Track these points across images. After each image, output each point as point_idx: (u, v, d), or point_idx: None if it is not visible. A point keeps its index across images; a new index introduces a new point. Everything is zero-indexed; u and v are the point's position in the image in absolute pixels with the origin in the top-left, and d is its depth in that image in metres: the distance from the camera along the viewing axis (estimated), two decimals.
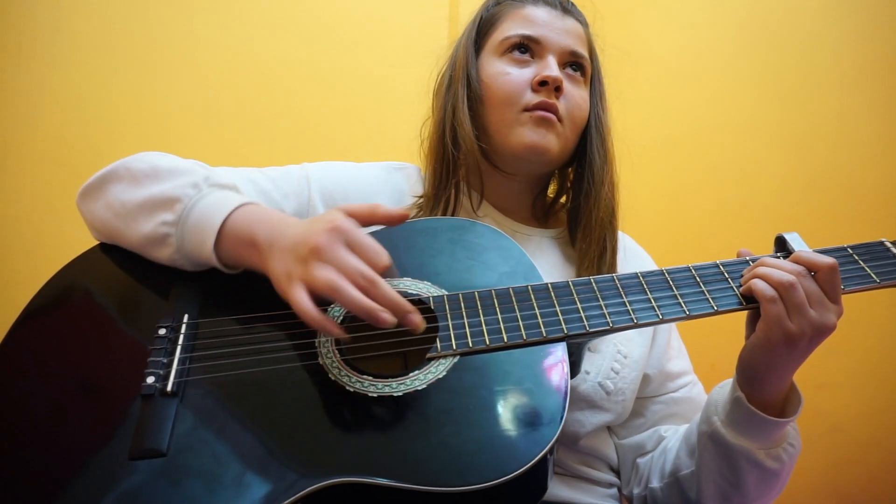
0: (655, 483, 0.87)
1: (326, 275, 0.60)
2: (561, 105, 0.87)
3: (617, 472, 0.93)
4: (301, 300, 0.60)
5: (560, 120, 0.87)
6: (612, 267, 0.89)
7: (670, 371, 0.94)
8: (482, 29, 0.95)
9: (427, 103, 0.97)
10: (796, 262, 0.69)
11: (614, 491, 0.91)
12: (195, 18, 1.57)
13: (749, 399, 0.74)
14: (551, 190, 1.01)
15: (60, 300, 0.72)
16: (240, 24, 1.61)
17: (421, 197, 0.91)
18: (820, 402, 1.45)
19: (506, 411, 0.61)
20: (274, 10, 1.65)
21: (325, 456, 0.58)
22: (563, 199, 1.00)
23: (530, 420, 0.60)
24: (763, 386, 0.73)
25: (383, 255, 0.63)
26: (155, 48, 1.52)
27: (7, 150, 1.38)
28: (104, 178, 0.77)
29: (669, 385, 0.94)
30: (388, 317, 0.59)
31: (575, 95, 0.90)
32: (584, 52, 0.92)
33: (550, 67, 0.86)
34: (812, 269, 0.69)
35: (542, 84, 0.86)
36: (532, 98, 0.86)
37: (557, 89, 0.87)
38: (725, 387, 0.79)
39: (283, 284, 0.63)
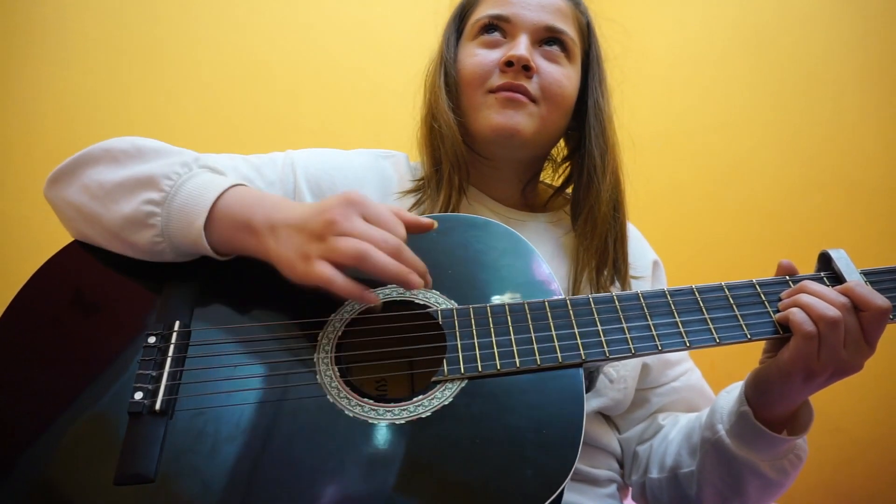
0: (654, 474, 0.86)
1: (351, 244, 0.57)
2: (533, 84, 0.83)
3: (619, 462, 0.91)
4: (330, 274, 0.58)
5: (533, 100, 0.83)
6: (622, 259, 0.86)
7: (669, 359, 0.92)
8: (464, 13, 0.91)
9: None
10: (846, 294, 0.63)
11: (613, 489, 0.88)
12: (197, 19, 1.59)
13: (756, 414, 0.71)
14: (544, 176, 0.97)
15: (40, 302, 0.66)
16: (242, 25, 1.63)
17: (420, 180, 0.88)
18: (820, 403, 1.46)
19: (515, 447, 0.56)
20: (275, 10, 1.66)
21: (318, 487, 0.54)
22: (563, 187, 0.96)
23: (541, 460, 0.55)
24: (772, 407, 0.70)
25: (400, 226, 0.61)
26: (157, 48, 1.54)
27: (9, 151, 1.39)
28: (78, 162, 0.71)
29: (669, 373, 0.92)
30: (416, 279, 0.59)
31: (552, 72, 0.84)
32: (563, 27, 0.86)
33: (517, 47, 0.82)
34: (861, 307, 0.62)
35: (508, 65, 0.82)
36: (497, 80, 0.83)
37: (528, 69, 0.82)
38: (732, 393, 0.76)
39: (297, 266, 0.59)
